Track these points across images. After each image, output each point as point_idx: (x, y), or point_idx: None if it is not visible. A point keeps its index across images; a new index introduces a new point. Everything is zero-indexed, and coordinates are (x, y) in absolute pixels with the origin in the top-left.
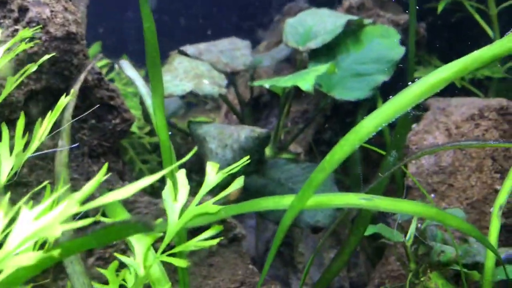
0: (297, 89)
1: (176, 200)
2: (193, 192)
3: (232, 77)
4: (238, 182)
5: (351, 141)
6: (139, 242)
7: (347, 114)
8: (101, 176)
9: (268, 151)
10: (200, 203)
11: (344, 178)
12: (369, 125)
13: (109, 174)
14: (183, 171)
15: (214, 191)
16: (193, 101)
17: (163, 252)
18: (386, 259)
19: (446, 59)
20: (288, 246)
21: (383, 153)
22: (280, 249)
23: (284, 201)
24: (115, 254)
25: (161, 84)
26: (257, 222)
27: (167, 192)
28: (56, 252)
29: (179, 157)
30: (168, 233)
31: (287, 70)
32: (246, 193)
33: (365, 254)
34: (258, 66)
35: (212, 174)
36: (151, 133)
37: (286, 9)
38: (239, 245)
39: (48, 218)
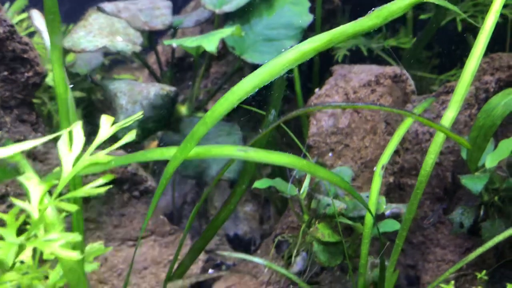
0: (217, 51)
1: (71, 150)
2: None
3: (151, 36)
4: (130, 136)
5: (230, 100)
6: (35, 188)
7: None
8: None
9: (185, 110)
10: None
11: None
12: (246, 86)
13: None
14: (79, 123)
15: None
16: (119, 58)
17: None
18: (288, 211)
19: None
20: (204, 199)
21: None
22: (196, 201)
23: (169, 152)
24: (11, 198)
25: (59, 38)
26: (174, 177)
27: (61, 143)
28: None
29: (97, 113)
30: (61, 180)
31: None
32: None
33: (275, 206)
34: (179, 26)
35: (106, 127)
36: (72, 87)
37: None
38: (150, 197)
39: None
